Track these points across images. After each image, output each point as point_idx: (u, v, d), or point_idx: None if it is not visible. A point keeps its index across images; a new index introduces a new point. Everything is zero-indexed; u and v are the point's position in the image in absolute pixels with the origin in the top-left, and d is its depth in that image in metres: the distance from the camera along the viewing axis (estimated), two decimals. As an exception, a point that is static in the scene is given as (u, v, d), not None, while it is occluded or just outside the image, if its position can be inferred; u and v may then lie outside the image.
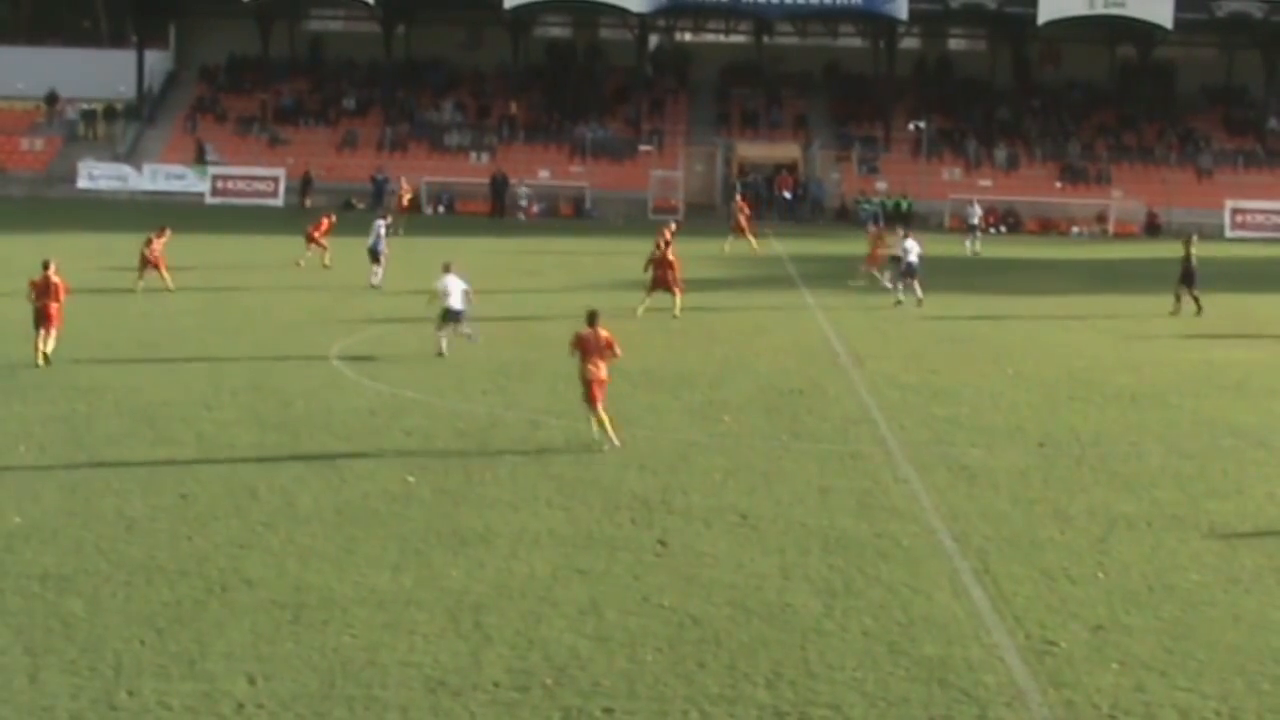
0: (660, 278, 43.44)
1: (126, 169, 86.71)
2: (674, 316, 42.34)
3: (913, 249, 48.16)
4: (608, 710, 14.91)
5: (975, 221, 71.78)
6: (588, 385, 26.28)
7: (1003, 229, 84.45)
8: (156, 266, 44.93)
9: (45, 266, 33.68)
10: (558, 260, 58.84)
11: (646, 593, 18.40)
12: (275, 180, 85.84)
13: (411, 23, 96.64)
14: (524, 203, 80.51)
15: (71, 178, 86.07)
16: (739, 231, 64.45)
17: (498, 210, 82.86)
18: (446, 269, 36.27)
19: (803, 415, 29.71)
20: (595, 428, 26.29)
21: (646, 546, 20.39)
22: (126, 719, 14.45)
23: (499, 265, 55.42)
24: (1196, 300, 46.55)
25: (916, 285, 47.52)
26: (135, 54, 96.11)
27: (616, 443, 26.07)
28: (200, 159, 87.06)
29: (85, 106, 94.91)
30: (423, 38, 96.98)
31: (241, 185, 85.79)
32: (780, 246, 68.11)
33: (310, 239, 53.95)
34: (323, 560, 19.34)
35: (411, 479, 23.61)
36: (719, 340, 39.21)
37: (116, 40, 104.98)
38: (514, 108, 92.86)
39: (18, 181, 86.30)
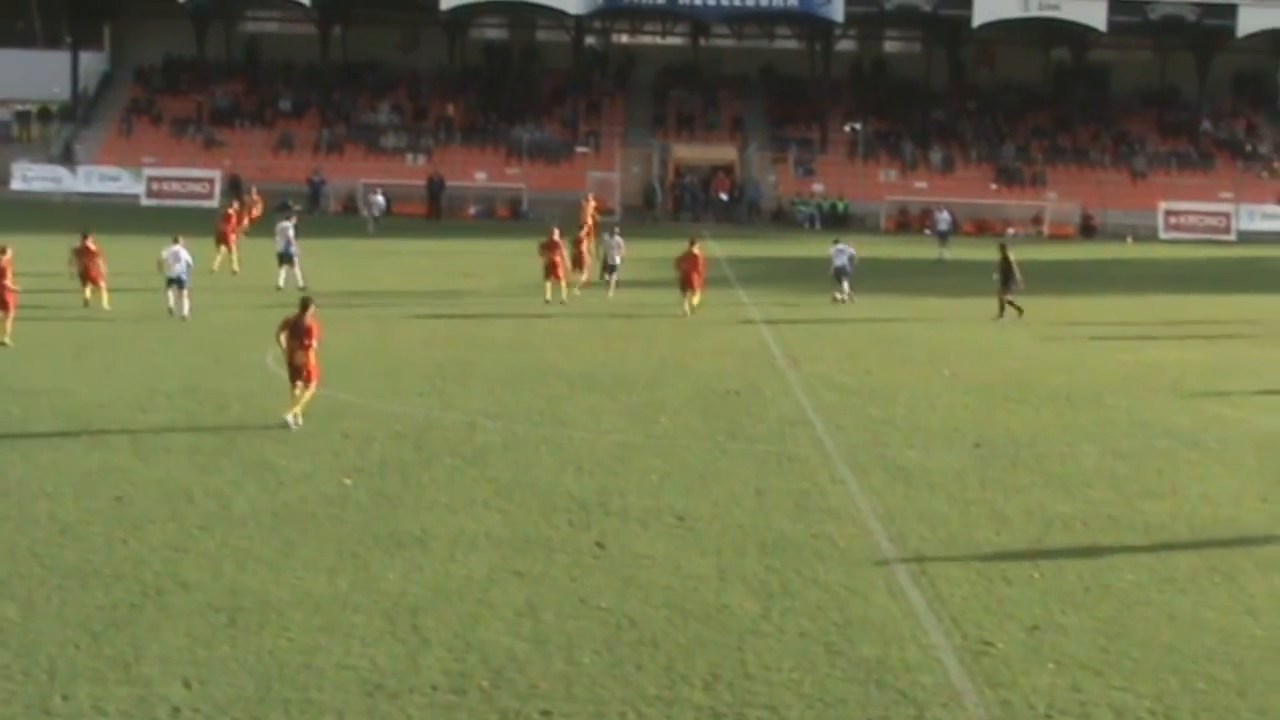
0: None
1: (61, 170, 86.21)
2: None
3: (843, 252, 48.32)
4: (545, 713, 14.88)
5: (944, 229, 71.65)
6: (292, 368, 27.35)
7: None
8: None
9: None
10: (494, 261, 58.82)
11: (584, 595, 18.39)
12: (211, 181, 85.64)
13: (348, 24, 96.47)
14: (376, 213, 74.58)
15: (5, 179, 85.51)
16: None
17: (435, 212, 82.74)
18: (175, 240, 41.91)
19: (740, 416, 29.75)
20: (295, 407, 27.27)
21: (584, 548, 20.37)
22: (60, 724, 14.35)
23: (436, 266, 55.35)
24: (1014, 304, 46.26)
25: (846, 286, 47.79)
26: (70, 55, 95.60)
27: (298, 423, 27.06)
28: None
29: (19, 107, 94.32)
30: (359, 39, 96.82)
31: (177, 187, 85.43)
32: (717, 248, 68.14)
33: (222, 238, 53.02)
34: (259, 563, 19.25)
35: (348, 482, 23.53)
36: (656, 342, 39.23)
37: (51, 41, 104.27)
38: (451, 109, 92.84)
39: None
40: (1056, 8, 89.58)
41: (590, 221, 57.33)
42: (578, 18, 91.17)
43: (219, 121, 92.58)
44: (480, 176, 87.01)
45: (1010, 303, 46.18)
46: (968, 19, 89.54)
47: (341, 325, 39.64)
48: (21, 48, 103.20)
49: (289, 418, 27.05)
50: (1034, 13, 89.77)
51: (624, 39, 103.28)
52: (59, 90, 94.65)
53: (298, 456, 25.12)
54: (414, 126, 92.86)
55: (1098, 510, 23.15)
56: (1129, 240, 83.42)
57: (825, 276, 48.98)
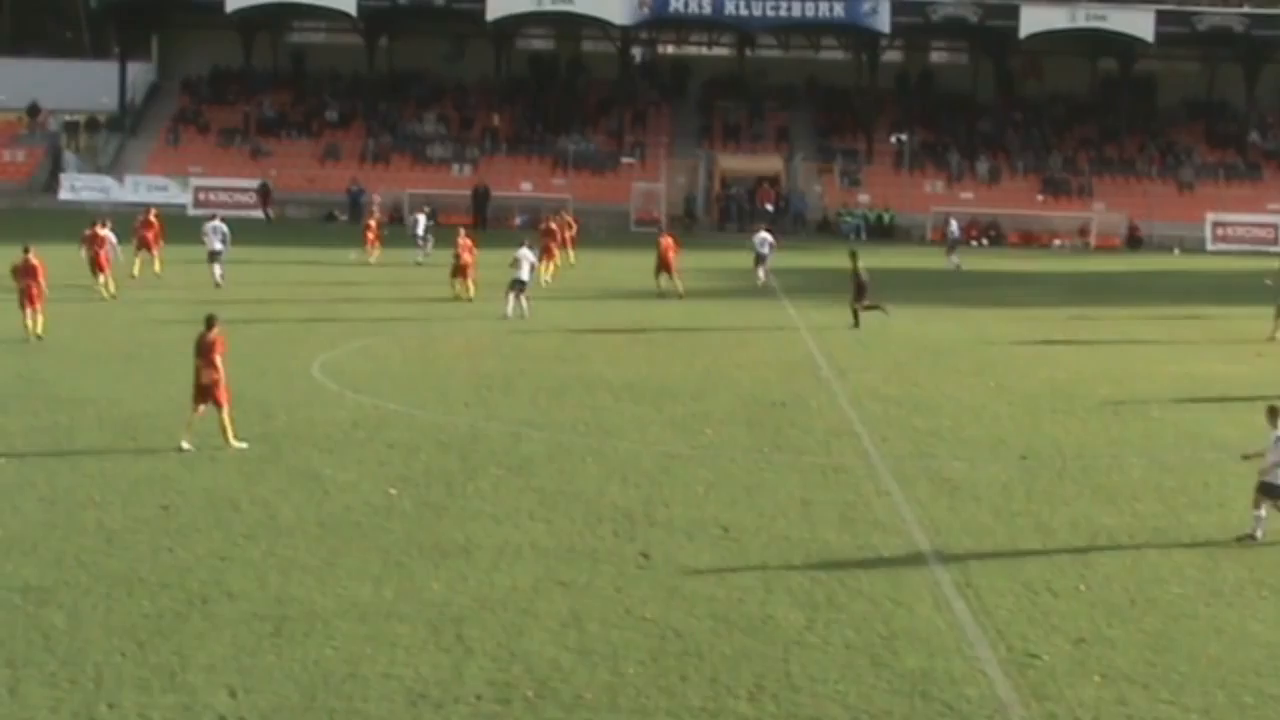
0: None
1: (108, 180, 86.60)
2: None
3: (766, 241, 55.20)
4: (590, 723, 14.89)
5: (958, 235, 71.77)
6: (198, 387, 26.24)
7: (984, 242, 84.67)
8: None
9: (25, 250, 37.92)
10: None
11: (629, 605, 18.38)
12: (255, 191, 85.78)
13: (394, 35, 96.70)
14: (421, 232, 67.09)
15: (54, 188, 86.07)
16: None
17: (480, 222, 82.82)
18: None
19: (785, 428, 29.71)
20: (186, 431, 26.24)
21: (629, 559, 20.37)
22: (106, 732, 14.41)
23: (482, 277, 55.35)
24: (856, 314, 45.25)
25: (762, 271, 54.87)
26: (118, 65, 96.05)
27: (238, 445, 26.13)
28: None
29: (68, 118, 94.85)
30: (405, 50, 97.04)
31: (224, 197, 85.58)
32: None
33: (143, 243, 52.58)
34: (304, 572, 19.30)
35: (393, 491, 23.57)
36: (701, 353, 39.20)
37: (99, 52, 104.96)
38: (496, 120, 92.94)
39: (1, 193, 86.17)
40: (1104, 18, 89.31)
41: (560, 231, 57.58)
42: (624, 28, 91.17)
43: (265, 131, 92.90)
44: (526, 187, 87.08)
45: (858, 310, 45.31)
46: (1015, 29, 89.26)
47: (386, 335, 39.78)
48: (70, 58, 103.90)
49: (184, 444, 25.87)
50: (1081, 24, 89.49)
51: (670, 50, 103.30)
52: (107, 101, 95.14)
53: (343, 466, 25.18)
54: (460, 137, 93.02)
55: (1144, 523, 23.03)
56: (1176, 252, 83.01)
57: (875, 289, 48.77)
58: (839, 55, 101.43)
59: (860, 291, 45.43)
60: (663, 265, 51.78)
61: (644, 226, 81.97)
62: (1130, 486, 25.19)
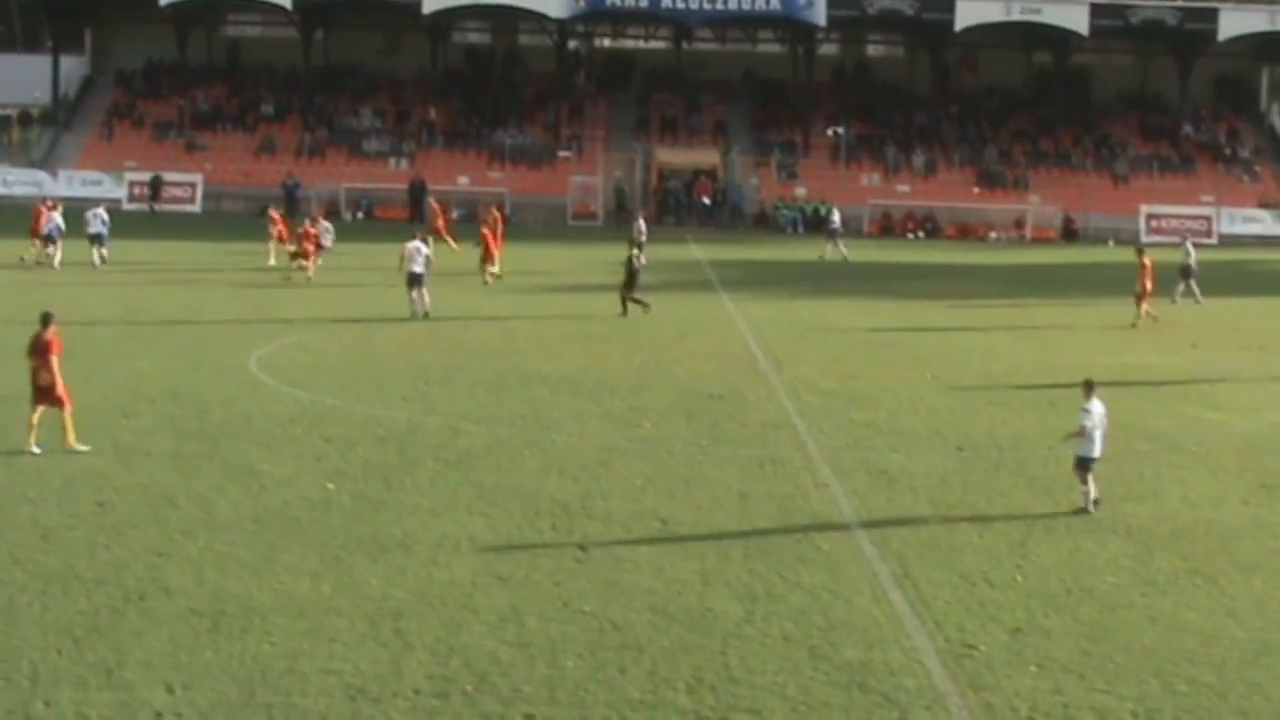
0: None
1: (42, 175, 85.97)
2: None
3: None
4: (528, 716, 14.90)
5: (835, 226, 70.76)
6: (36, 388, 25.47)
7: (921, 234, 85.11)
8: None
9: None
10: (476, 265, 58.44)
11: (567, 599, 18.40)
12: (193, 186, 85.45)
13: (329, 28, 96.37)
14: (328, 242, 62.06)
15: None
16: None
17: (417, 216, 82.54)
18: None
19: (723, 420, 29.77)
20: (32, 434, 25.34)
21: (567, 553, 20.38)
22: (43, 730, 14.33)
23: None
24: (632, 302, 45.39)
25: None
26: (51, 59, 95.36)
27: (81, 448, 25.33)
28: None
29: (1, 112, 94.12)
30: (341, 44, 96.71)
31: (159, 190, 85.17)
32: (699, 252, 68.28)
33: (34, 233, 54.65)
34: (242, 568, 19.24)
35: (331, 486, 23.52)
36: (639, 346, 39.22)
37: (31, 45, 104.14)
38: (433, 113, 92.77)
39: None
40: (1038, 12, 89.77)
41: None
42: (560, 21, 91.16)
43: (200, 125, 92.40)
44: (463, 180, 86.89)
45: (631, 301, 45.36)
46: (950, 23, 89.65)
47: (323, 331, 39.68)
48: (1, 51, 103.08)
49: (33, 448, 25.03)
50: (1016, 17, 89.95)
51: (606, 43, 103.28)
52: (39, 94, 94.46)
53: (280, 461, 25.10)
54: (396, 130, 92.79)
55: (1080, 513, 23.18)
56: (1110, 244, 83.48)
57: (808, 280, 48.94)
58: (776, 49, 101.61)
59: (631, 282, 45.79)
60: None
61: (581, 220, 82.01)
62: (1065, 477, 25.26)
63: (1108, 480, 25.11)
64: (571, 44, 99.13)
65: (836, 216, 72.00)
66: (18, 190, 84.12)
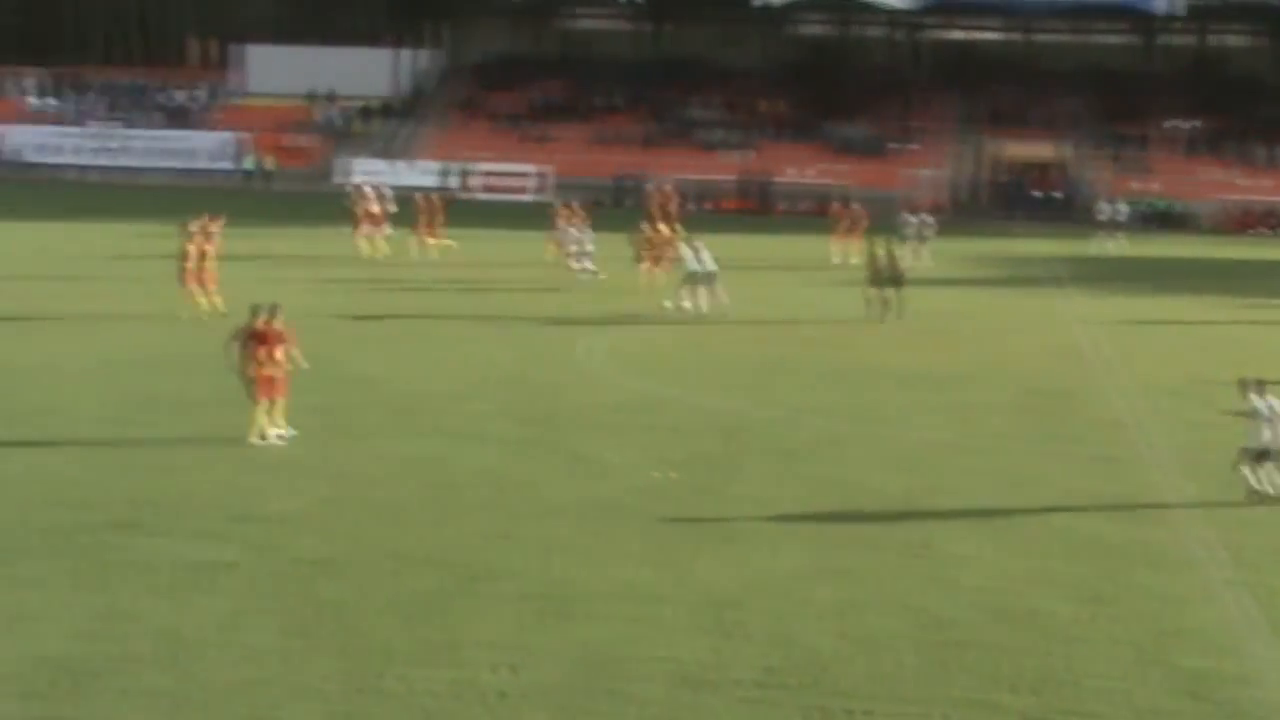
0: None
1: (396, 165, 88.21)
2: None
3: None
4: (856, 711, 14.84)
5: (1117, 219, 68.72)
6: (261, 380, 25.24)
7: (1272, 231, 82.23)
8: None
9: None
10: (815, 258, 58.35)
11: (898, 594, 18.29)
12: (537, 176, 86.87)
13: (670, 21, 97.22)
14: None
15: (338, 174, 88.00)
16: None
17: (757, 208, 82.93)
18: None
19: (1058, 417, 29.30)
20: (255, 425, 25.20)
21: (898, 547, 20.26)
22: (387, 703, 14.74)
23: (759, 261, 55.55)
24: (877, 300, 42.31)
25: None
26: (402, 53, 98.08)
27: (283, 434, 25.24)
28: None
29: (358, 104, 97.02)
30: (682, 36, 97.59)
31: (504, 181, 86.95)
32: (1040, 247, 67.14)
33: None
34: (576, 554, 19.55)
35: (665, 475, 23.74)
36: (976, 341, 38.81)
37: (383, 39, 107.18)
38: (772, 106, 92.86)
39: (287, 177, 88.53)
40: None
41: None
42: (899, 12, 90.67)
43: (542, 118, 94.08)
44: (800, 173, 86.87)
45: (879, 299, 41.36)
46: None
47: (657, 323, 40.05)
48: (356, 45, 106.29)
49: (273, 434, 25.24)
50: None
51: (946, 34, 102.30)
52: (388, 87, 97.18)
53: (615, 449, 25.43)
54: (735, 122, 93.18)
55: None
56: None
57: (1148, 276, 47.74)
58: (1119, 39, 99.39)
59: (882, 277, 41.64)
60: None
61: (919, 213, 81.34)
62: None
63: None
64: (910, 35, 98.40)
65: (1123, 209, 70.14)
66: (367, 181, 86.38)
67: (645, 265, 45.68)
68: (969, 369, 34.41)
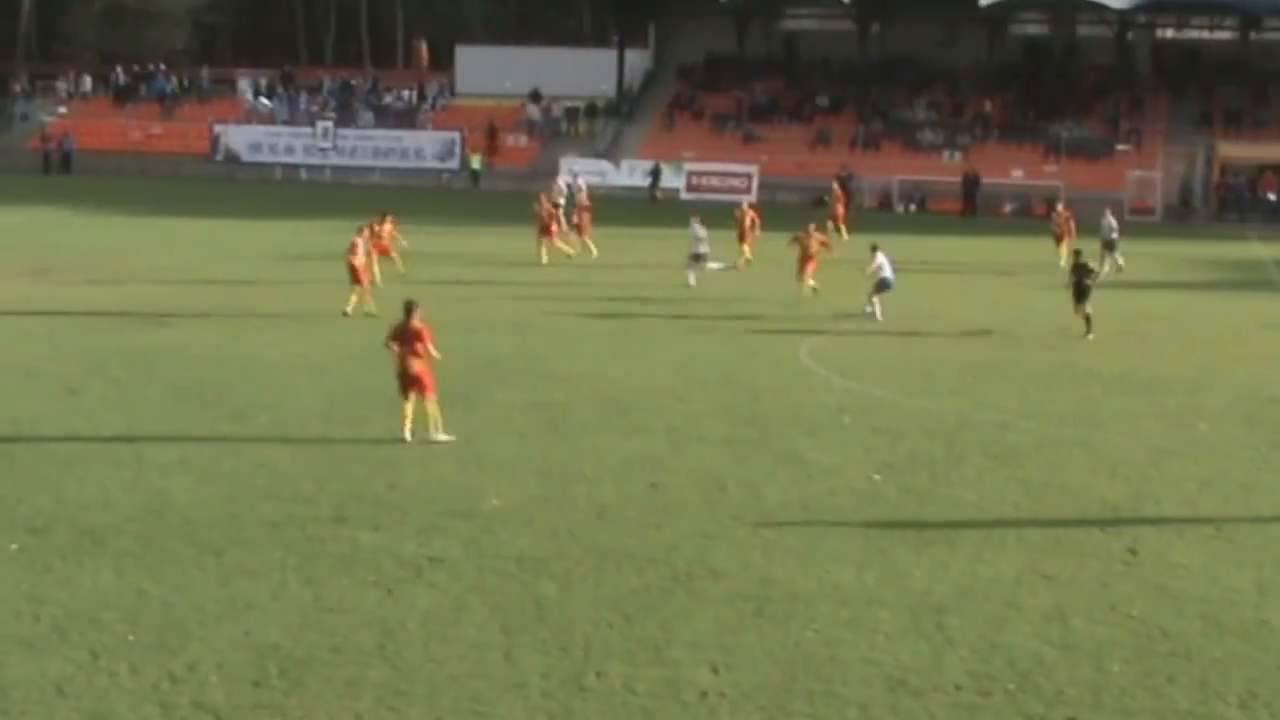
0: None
1: (605, 165, 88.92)
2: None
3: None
4: (1071, 719, 14.63)
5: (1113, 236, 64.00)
6: (400, 378, 25.20)
7: None
8: (384, 254, 45.08)
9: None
10: (1028, 260, 57.65)
11: (1114, 601, 17.99)
12: (748, 177, 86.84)
13: (886, 20, 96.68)
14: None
15: (554, 173, 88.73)
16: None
17: (970, 209, 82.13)
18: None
19: (1283, 425, 28.61)
20: (405, 422, 25.11)
21: (1115, 554, 19.93)
22: (595, 700, 14.81)
23: (970, 264, 55.08)
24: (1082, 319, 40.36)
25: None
26: (616, 53, 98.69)
27: (443, 437, 24.95)
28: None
29: (569, 104, 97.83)
30: (897, 36, 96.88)
31: (715, 182, 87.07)
32: (1264, 251, 65.64)
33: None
34: (787, 554, 19.50)
35: (877, 477, 23.61)
36: (1195, 346, 38.04)
37: (599, 39, 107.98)
38: (988, 106, 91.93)
39: (504, 176, 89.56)
40: None
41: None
42: (1121, 11, 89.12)
43: (757, 117, 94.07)
44: (1016, 174, 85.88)
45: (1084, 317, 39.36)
46: None
47: (871, 324, 39.82)
48: (571, 46, 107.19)
49: (426, 432, 25.09)
50: None
51: (1169, 33, 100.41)
52: (605, 87, 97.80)
53: (828, 450, 25.33)
54: (951, 123, 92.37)
55: None
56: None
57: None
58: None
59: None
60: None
61: (1138, 215, 79.90)
62: None
63: None
64: (1132, 35, 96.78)
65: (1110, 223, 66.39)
66: (581, 181, 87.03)
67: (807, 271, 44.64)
68: (1186, 374, 33.74)
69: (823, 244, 45.60)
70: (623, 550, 19.48)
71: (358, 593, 17.65)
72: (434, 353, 25.49)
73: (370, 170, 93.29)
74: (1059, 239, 54.65)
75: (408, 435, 25.14)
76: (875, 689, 15.21)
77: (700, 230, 46.97)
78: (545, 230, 52.88)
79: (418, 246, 49.82)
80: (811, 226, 46.11)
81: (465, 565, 18.74)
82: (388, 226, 46.07)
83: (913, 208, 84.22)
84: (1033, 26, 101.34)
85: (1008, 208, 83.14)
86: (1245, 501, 22.87)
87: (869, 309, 40.62)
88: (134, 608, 17.01)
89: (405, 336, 25.39)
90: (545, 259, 51.99)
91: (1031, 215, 79.46)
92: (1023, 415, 28.69)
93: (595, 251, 53.34)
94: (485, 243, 54.17)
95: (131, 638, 16.10)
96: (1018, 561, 19.45)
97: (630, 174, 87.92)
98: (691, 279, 46.06)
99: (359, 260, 38.90)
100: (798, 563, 19.15)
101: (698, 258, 46.65)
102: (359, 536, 19.84)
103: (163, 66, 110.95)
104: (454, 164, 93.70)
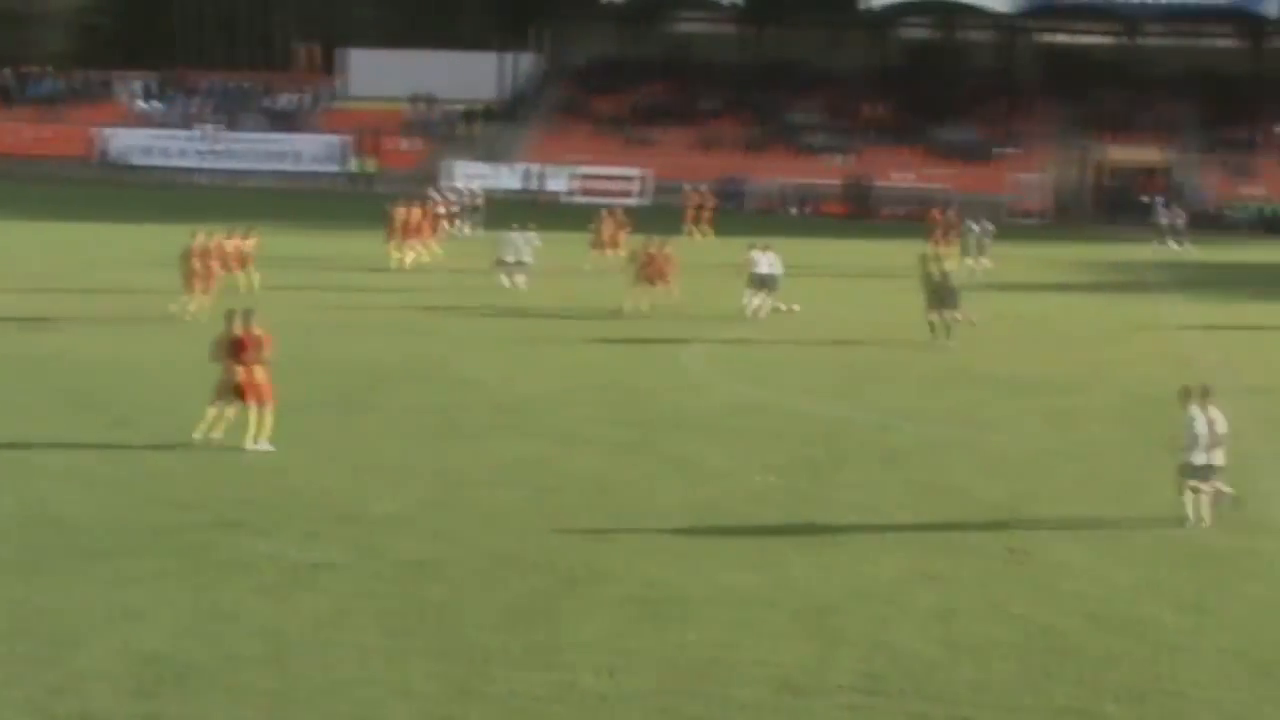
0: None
1: (496, 168, 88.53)
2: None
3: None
4: (957, 718, 14.79)
5: (1167, 221, 67.44)
6: (232, 386, 24.83)
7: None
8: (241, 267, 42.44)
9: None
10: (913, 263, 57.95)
11: (998, 600, 18.21)
12: (635, 180, 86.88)
13: (774, 25, 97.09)
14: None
15: (442, 176, 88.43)
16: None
17: (856, 212, 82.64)
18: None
19: (1166, 425, 28.89)
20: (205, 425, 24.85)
21: (997, 553, 20.17)
22: (485, 705, 14.81)
23: (857, 266, 55.45)
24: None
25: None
26: (503, 56, 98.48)
27: (266, 447, 24.53)
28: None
29: (458, 107, 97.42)
30: (784, 40, 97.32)
31: (601, 185, 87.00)
32: (1141, 253, 66.45)
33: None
34: (676, 557, 19.57)
35: (765, 479, 23.73)
36: (1077, 346, 38.50)
37: (485, 43, 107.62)
38: (874, 109, 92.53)
39: (389, 180, 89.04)
40: None
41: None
42: (1004, 16, 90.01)
43: (644, 121, 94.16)
44: (902, 177, 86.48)
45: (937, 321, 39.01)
46: None
47: (754, 328, 39.99)
48: (457, 49, 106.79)
49: (258, 445, 24.65)
50: None
51: (1051, 37, 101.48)
52: (489, 91, 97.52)
53: (716, 453, 25.43)
54: (837, 126, 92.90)
55: None
56: None
57: (1257, 282, 47.25)
58: (1229, 43, 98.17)
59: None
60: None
61: (1019, 219, 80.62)
62: None
63: None
64: (1016, 39, 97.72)
65: (1180, 213, 69.05)
66: (467, 184, 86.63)
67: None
68: (1070, 375, 34.15)
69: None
70: (514, 554, 19.47)
71: (246, 599, 17.54)
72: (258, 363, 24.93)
73: (257, 173, 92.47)
74: (939, 240, 54.92)
75: (198, 436, 24.67)
76: (765, 690, 15.31)
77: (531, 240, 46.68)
78: (405, 233, 51.49)
79: (302, 251, 49.48)
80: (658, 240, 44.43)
81: (354, 571, 18.67)
82: (250, 241, 43.60)
83: (806, 209, 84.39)
84: (918, 30, 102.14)
85: (895, 209, 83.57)
86: (1127, 500, 23.18)
87: (748, 304, 41.12)
88: (14, 617, 16.80)
89: (239, 345, 24.87)
90: (406, 263, 50.78)
91: (918, 218, 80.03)
92: (908, 417, 28.93)
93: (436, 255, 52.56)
94: (370, 247, 53.77)
95: (11, 648, 15.90)
96: (903, 562, 19.64)
97: (516, 177, 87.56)
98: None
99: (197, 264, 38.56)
100: (687, 565, 19.22)
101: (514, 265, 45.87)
102: (246, 543, 19.70)
103: (48, 69, 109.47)
104: (335, 166, 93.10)
